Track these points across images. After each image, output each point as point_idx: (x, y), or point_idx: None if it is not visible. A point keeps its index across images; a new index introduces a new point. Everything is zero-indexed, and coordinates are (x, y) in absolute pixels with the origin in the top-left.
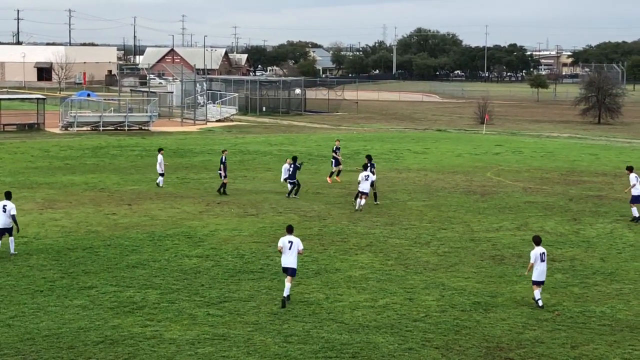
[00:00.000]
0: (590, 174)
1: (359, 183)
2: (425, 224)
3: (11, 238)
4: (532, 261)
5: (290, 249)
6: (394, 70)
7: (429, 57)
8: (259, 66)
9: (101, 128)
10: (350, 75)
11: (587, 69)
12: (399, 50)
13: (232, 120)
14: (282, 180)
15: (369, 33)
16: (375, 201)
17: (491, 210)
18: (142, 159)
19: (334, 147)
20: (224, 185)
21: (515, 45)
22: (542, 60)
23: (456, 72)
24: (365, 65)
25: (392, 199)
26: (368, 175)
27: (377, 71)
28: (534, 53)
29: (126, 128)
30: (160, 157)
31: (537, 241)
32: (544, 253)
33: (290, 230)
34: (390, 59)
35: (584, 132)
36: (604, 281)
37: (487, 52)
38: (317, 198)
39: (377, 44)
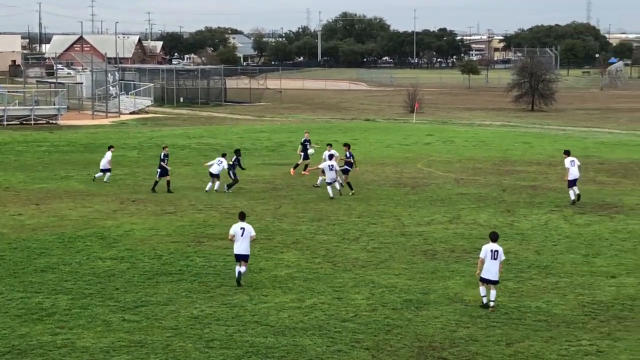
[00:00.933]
0: (523, 164)
1: (323, 172)
2: (354, 219)
3: None
4: (481, 256)
5: (242, 235)
6: (319, 57)
7: (355, 43)
8: (176, 54)
9: (5, 122)
10: (273, 62)
11: (519, 54)
12: (324, 36)
13: (147, 113)
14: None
15: (292, 18)
16: (351, 189)
17: (422, 203)
18: (50, 155)
19: (303, 139)
20: (167, 182)
21: (445, 29)
22: (473, 45)
23: (384, 58)
24: (289, 52)
25: (318, 194)
26: (332, 165)
27: (302, 58)
28: (465, 38)
29: (32, 122)
30: (109, 153)
31: (492, 237)
32: (496, 251)
33: (242, 217)
34: (315, 46)
35: (517, 119)
36: (539, 275)
37: (416, 37)
38: (240, 193)
39: (300, 30)
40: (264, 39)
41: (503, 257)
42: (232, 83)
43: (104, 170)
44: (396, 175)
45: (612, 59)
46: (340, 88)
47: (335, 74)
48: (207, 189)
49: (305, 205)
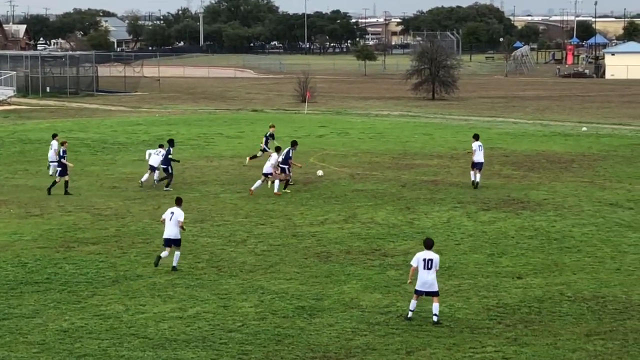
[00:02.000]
0: (424, 157)
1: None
2: (240, 220)
3: None
4: (413, 264)
5: (170, 220)
6: (202, 42)
7: (241, 26)
8: (41, 39)
9: None
10: (150, 48)
11: (418, 38)
12: (206, 18)
13: (9, 104)
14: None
15: None
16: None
17: (315, 201)
18: None
19: (268, 132)
20: (65, 183)
21: (338, 11)
22: (369, 29)
23: (273, 43)
24: (168, 36)
25: (202, 192)
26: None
27: (182, 43)
28: (360, 21)
29: None
30: (55, 143)
31: (426, 244)
32: (430, 260)
33: (178, 202)
34: (197, 29)
35: (416, 109)
36: (441, 277)
37: (307, 19)
38: (114, 193)
39: (180, 12)
40: (140, 22)
41: (438, 267)
42: (104, 71)
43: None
44: None
45: (518, 43)
46: (225, 76)
47: (220, 61)
48: (142, 179)
49: (186, 205)
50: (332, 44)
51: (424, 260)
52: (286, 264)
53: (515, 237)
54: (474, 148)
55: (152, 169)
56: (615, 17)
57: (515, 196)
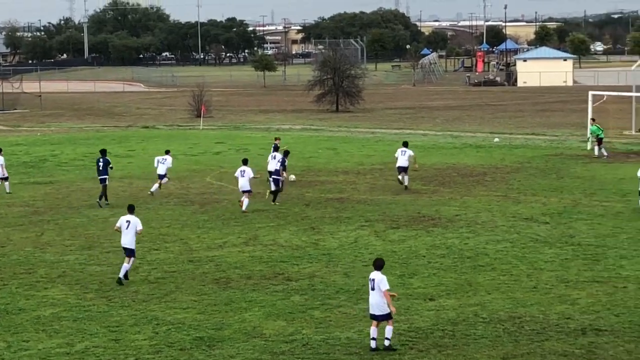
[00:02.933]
0: (329, 173)
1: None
2: None
3: None
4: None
5: (127, 228)
6: (87, 54)
7: (129, 36)
8: None
9: None
10: (30, 61)
11: (320, 47)
12: (91, 28)
13: None
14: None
15: (52, 8)
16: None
17: (213, 223)
18: None
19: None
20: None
21: (234, 19)
22: (268, 37)
23: (164, 54)
24: (49, 48)
25: (89, 216)
26: (244, 171)
27: (65, 56)
28: (258, 29)
29: None
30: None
31: (375, 265)
32: (372, 280)
33: (130, 209)
34: (81, 40)
35: (320, 122)
36: (349, 301)
37: (201, 28)
38: None
39: (62, 22)
40: (19, 34)
41: (385, 287)
42: None
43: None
44: (182, 191)
45: (425, 50)
46: (113, 90)
47: (107, 74)
48: (152, 189)
49: (73, 230)
50: (228, 54)
51: (370, 280)
52: (182, 292)
53: (426, 256)
54: (397, 155)
55: (161, 177)
56: (527, 22)
57: (425, 213)
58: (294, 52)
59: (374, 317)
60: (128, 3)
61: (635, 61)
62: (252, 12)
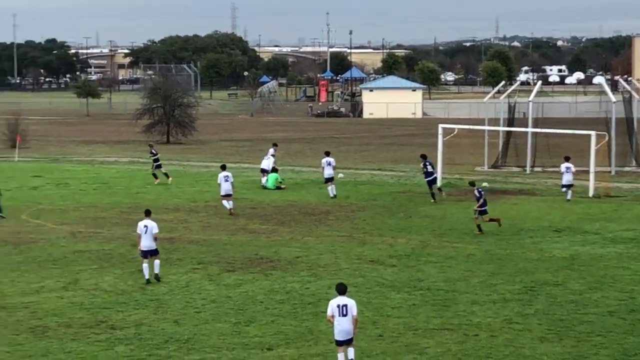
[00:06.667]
0: (158, 210)
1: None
2: None
3: None
4: (328, 314)
5: (146, 232)
6: None
7: None
8: None
9: None
10: None
11: (150, 72)
12: None
13: None
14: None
15: None
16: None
17: (29, 266)
18: None
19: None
20: None
21: (54, 41)
22: (92, 61)
23: None
24: None
25: None
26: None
27: None
28: (80, 51)
29: None
30: None
31: (338, 290)
32: (344, 305)
33: (147, 213)
34: None
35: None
36: (179, 351)
37: (18, 50)
38: None
39: None
40: None
41: (355, 313)
42: None
43: None
44: None
45: (264, 78)
46: None
47: None
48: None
49: None
50: (47, 79)
51: (338, 306)
52: None
53: (264, 301)
54: (322, 165)
55: (227, 196)
56: (373, 49)
57: (263, 254)
58: (120, 78)
59: (341, 342)
60: None
61: (488, 92)
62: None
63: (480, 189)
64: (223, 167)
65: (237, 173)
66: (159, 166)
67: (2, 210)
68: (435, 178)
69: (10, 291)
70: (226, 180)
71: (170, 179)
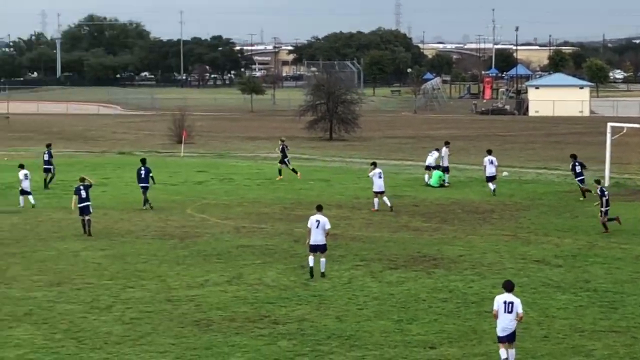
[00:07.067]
0: None
1: None
2: (105, 282)
3: None
4: (495, 309)
5: (317, 227)
6: (59, 73)
7: (106, 54)
8: None
9: None
10: None
11: (313, 69)
12: (65, 45)
13: None
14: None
15: (22, 22)
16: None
17: (194, 259)
18: None
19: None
20: None
21: (220, 38)
22: (256, 58)
23: (144, 74)
24: (19, 66)
25: (59, 249)
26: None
27: (36, 74)
28: (245, 48)
29: None
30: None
31: (506, 287)
32: (511, 303)
33: (319, 208)
34: (53, 58)
35: (312, 151)
36: (341, 347)
37: (184, 47)
38: None
39: (34, 37)
40: None
41: (520, 311)
42: None
43: None
44: (160, 223)
45: (428, 75)
46: (87, 112)
47: (81, 94)
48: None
49: (41, 264)
50: (212, 76)
51: (504, 303)
52: (159, 334)
53: (427, 300)
54: (484, 163)
55: (380, 192)
56: (540, 46)
57: (426, 252)
58: (284, 74)
59: (502, 339)
60: (105, 18)
61: None
62: (239, 30)
63: (603, 188)
64: (374, 165)
65: (399, 170)
66: (283, 162)
67: (148, 201)
68: (584, 179)
69: (175, 284)
70: (380, 177)
71: (298, 174)
